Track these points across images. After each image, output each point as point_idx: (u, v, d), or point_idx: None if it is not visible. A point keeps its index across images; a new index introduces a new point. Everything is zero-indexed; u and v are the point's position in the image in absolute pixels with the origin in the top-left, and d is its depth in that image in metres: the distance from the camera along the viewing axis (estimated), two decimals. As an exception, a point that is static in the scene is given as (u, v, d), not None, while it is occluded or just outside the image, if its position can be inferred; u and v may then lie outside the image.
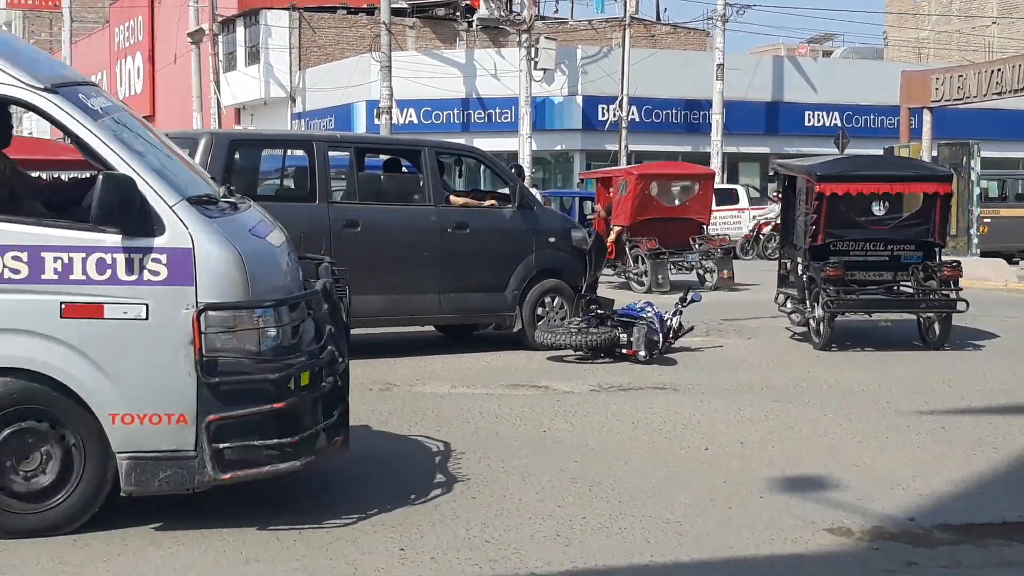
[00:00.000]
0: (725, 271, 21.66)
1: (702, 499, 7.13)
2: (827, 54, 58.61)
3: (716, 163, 38.96)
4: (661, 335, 12.68)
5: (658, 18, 50.55)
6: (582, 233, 13.98)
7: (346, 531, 6.34)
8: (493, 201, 13.73)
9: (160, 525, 6.34)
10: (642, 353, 12.35)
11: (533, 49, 38.07)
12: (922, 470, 7.90)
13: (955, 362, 12.88)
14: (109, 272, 5.94)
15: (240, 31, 47.31)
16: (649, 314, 12.82)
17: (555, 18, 49.34)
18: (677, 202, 22.68)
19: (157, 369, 5.99)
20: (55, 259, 5.92)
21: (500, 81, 40.15)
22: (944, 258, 14.55)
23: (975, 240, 25.49)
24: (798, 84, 43.02)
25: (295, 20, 45.76)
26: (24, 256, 5.91)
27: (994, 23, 54.32)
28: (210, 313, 5.97)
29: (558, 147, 41.21)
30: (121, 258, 5.95)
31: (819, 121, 42.52)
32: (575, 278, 13.55)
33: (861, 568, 5.97)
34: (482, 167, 18.63)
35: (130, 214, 5.90)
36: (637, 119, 40.22)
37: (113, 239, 5.94)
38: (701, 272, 21.70)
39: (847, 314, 14.30)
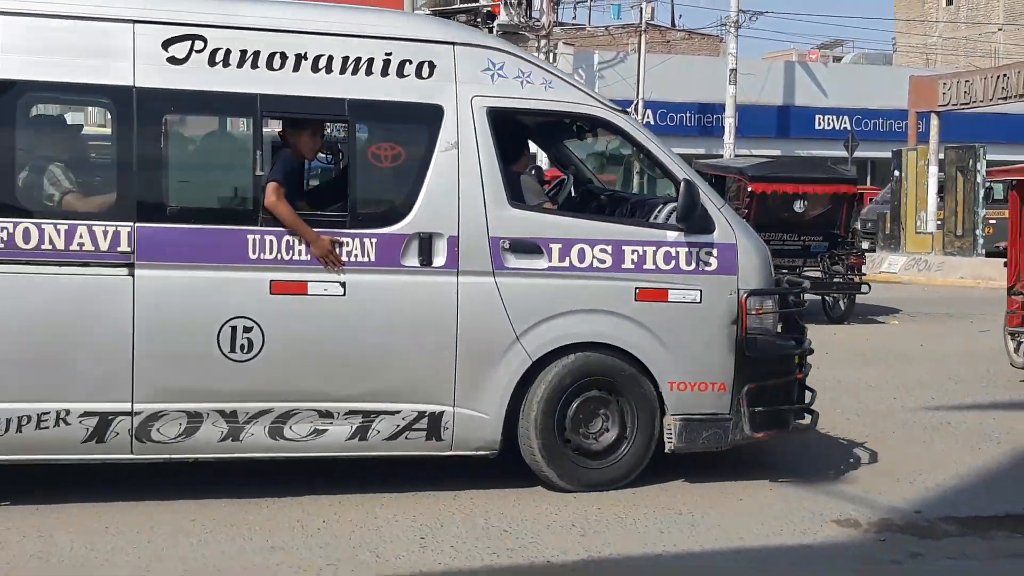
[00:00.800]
0: None
1: (714, 491, 7.29)
2: (837, 59, 58.54)
3: (727, 166, 38.99)
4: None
5: (673, 24, 50.53)
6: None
7: (368, 520, 6.50)
8: None
9: (193, 517, 6.50)
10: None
11: (551, 54, 38.18)
12: (928, 464, 8.06)
13: (962, 361, 13.02)
14: (673, 263, 7.16)
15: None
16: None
17: (573, 24, 49.28)
18: None
19: (705, 345, 7.20)
20: (632, 251, 7.11)
21: (516, 85, 40.16)
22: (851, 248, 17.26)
23: (980, 240, 25.65)
24: (809, 89, 43.01)
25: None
26: (609, 249, 7.07)
27: (1000, 30, 54.25)
28: (751, 298, 7.20)
29: (572, 150, 41.30)
30: (683, 251, 7.18)
31: (829, 125, 42.50)
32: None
33: (868, 559, 6.11)
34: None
35: (697, 214, 7.12)
36: (652, 122, 40.26)
37: (675, 235, 7.19)
38: None
39: None
